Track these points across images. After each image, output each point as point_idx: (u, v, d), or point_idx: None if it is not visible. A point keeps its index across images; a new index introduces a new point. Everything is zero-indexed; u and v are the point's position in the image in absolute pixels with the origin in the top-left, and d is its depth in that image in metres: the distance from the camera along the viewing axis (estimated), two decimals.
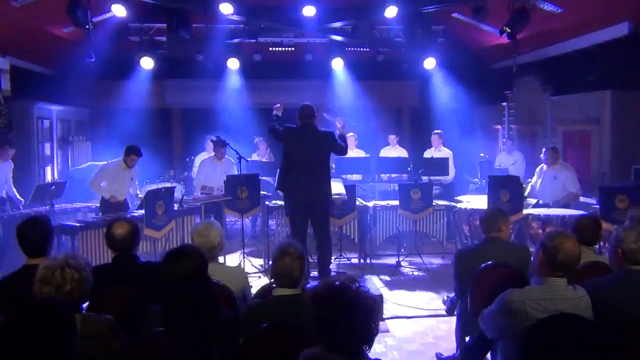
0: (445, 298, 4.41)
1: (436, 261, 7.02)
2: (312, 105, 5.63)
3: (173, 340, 1.93)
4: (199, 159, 8.55)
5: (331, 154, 5.73)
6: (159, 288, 2.56)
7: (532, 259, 2.84)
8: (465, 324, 3.68)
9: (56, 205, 6.80)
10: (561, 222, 5.80)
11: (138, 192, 6.98)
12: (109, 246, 3.25)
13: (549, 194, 6.60)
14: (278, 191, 5.89)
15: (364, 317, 1.82)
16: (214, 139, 7.41)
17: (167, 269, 2.54)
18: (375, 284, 5.97)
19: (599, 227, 3.60)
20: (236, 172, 7.34)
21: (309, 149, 5.46)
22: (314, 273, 5.86)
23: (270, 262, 2.80)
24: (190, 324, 1.91)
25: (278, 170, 5.67)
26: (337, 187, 6.32)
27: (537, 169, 6.93)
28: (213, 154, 7.61)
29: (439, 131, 8.64)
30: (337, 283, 1.89)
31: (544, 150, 6.77)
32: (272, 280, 2.79)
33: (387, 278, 6.31)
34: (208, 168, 7.43)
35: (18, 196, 6.95)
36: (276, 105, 5.90)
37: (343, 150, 5.69)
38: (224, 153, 7.40)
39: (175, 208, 6.17)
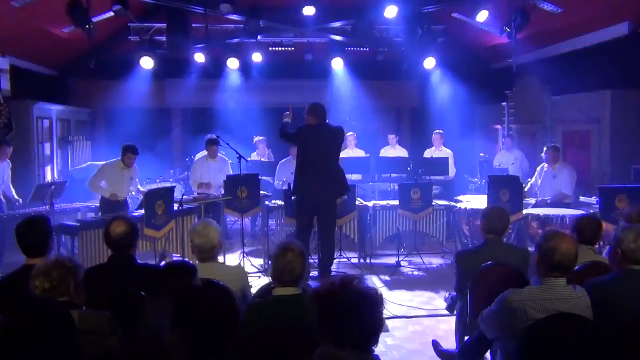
0: (447, 295, 4.41)
1: (436, 261, 7.02)
2: (323, 105, 5.67)
3: (186, 339, 1.91)
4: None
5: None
6: (153, 291, 2.57)
7: (531, 259, 2.83)
8: (465, 324, 3.68)
9: (56, 205, 6.79)
10: (561, 222, 5.80)
11: (140, 187, 6.96)
12: (107, 244, 3.27)
13: (549, 194, 6.61)
14: (293, 196, 5.88)
15: (368, 310, 1.83)
16: (214, 138, 7.40)
17: (165, 282, 2.56)
18: (375, 284, 5.97)
19: (600, 226, 3.59)
20: (231, 171, 7.35)
21: (324, 148, 5.54)
22: (314, 273, 5.86)
23: (271, 262, 2.77)
24: (209, 321, 1.90)
25: (294, 174, 5.68)
26: None
27: (539, 168, 6.94)
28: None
29: (440, 131, 8.64)
30: (338, 280, 1.91)
31: (545, 149, 6.78)
32: (272, 279, 2.77)
33: (387, 278, 6.31)
34: (202, 167, 7.43)
35: (16, 196, 6.93)
36: (286, 113, 5.92)
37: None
38: (216, 151, 7.40)
39: (175, 208, 6.16)
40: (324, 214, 5.62)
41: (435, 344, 4.10)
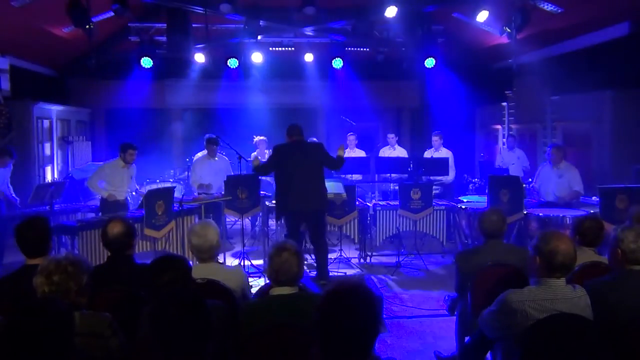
0: (446, 297, 4.41)
1: (436, 261, 7.02)
2: (298, 124, 5.80)
3: (161, 344, 1.91)
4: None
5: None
6: (151, 290, 2.56)
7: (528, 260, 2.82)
8: (465, 324, 3.68)
9: (56, 205, 6.79)
10: (561, 222, 5.79)
11: (137, 187, 6.96)
12: (104, 245, 3.27)
13: (554, 193, 6.56)
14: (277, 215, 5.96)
15: (366, 317, 1.80)
16: (213, 137, 7.40)
17: (153, 280, 2.53)
18: (375, 284, 5.97)
19: (602, 228, 3.55)
20: (230, 170, 7.35)
21: (302, 161, 5.56)
22: (313, 273, 5.87)
23: (267, 262, 2.77)
24: (179, 327, 1.89)
25: (275, 194, 5.79)
26: (337, 187, 6.33)
27: (539, 169, 6.92)
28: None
29: (439, 132, 8.63)
30: (327, 292, 1.86)
31: (548, 149, 6.75)
32: (269, 279, 2.76)
33: (387, 278, 6.31)
34: (201, 166, 7.42)
35: (13, 195, 6.90)
36: (255, 158, 6.15)
37: (336, 165, 5.81)
38: (215, 150, 7.40)
39: (175, 208, 6.16)
40: (312, 223, 5.69)
41: (437, 355, 4.11)
